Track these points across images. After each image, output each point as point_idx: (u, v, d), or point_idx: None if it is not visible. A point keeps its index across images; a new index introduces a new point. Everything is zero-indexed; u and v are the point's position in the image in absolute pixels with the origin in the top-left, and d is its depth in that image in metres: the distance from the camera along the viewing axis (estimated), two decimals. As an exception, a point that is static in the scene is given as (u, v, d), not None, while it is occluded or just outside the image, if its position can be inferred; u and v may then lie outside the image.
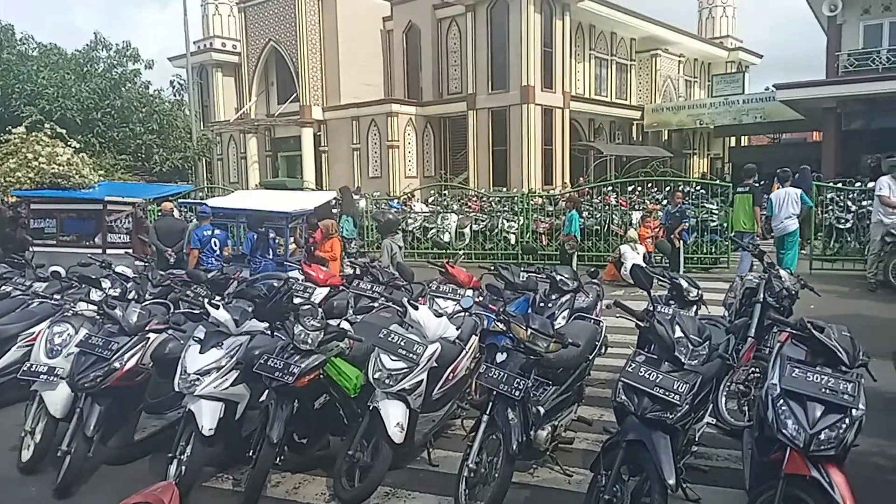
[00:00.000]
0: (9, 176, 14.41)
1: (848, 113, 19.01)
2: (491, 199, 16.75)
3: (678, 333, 3.55)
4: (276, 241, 10.14)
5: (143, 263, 8.22)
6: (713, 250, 12.49)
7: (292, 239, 11.10)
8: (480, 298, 5.85)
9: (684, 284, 5.30)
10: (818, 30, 21.99)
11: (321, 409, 4.47)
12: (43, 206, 13.52)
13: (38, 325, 5.63)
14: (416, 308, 4.41)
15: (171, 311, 5.21)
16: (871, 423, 3.15)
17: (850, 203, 11.74)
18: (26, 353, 5.26)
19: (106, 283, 6.09)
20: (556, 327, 4.44)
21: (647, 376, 3.36)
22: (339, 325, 4.57)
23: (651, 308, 3.97)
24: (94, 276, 5.86)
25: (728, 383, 4.67)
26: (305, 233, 11.11)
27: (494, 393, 3.86)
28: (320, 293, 6.07)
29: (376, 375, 4.15)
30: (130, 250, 11.26)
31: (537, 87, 24.45)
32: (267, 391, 4.17)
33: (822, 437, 2.91)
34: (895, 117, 17.97)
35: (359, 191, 20.09)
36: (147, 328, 4.60)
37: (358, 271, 6.78)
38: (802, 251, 11.28)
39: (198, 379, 4.13)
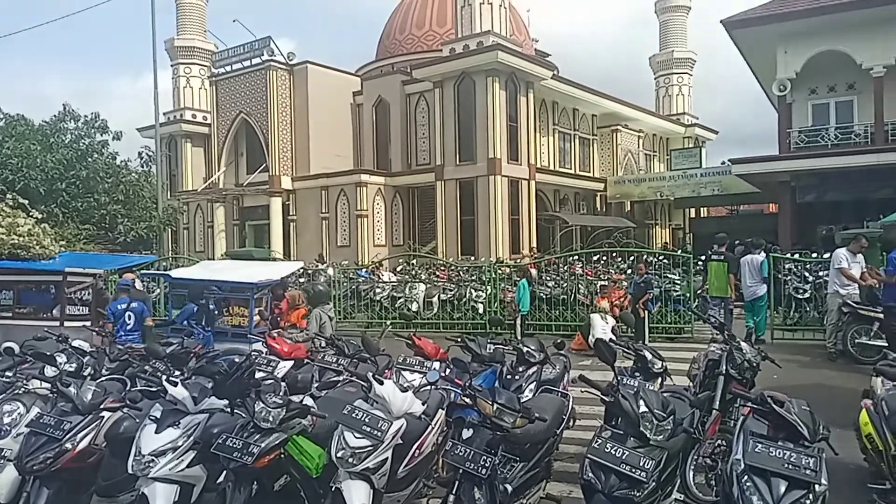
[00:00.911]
0: (-33, 247, 14.07)
1: (801, 186, 19.72)
2: (459, 268, 16.84)
3: (643, 408, 3.56)
4: (216, 312, 9.94)
5: (101, 337, 8.01)
6: (677, 320, 12.67)
7: (257, 310, 10.93)
8: (448, 371, 5.80)
9: (649, 356, 5.34)
10: (770, 108, 23.05)
11: (281, 490, 4.32)
12: (0, 278, 13.16)
13: (-13, 404, 5.38)
14: (381, 383, 4.33)
15: (128, 387, 5.05)
16: (835, 497, 3.16)
17: (807, 273, 12.05)
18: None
19: (62, 358, 5.92)
20: (522, 401, 4.40)
21: (614, 453, 3.35)
22: (301, 400, 4.47)
23: (616, 382, 3.99)
24: (48, 353, 5.67)
25: (695, 457, 4.65)
26: (271, 303, 10.97)
27: (461, 471, 3.79)
28: (284, 367, 5.97)
29: (339, 454, 4.02)
30: (89, 323, 10.97)
31: (503, 159, 25.05)
32: (225, 472, 4.01)
33: (787, 513, 2.90)
34: (845, 190, 18.74)
35: (322, 259, 20.01)
36: (102, 406, 4.44)
37: (323, 343, 6.70)
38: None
39: (152, 460, 3.97)
